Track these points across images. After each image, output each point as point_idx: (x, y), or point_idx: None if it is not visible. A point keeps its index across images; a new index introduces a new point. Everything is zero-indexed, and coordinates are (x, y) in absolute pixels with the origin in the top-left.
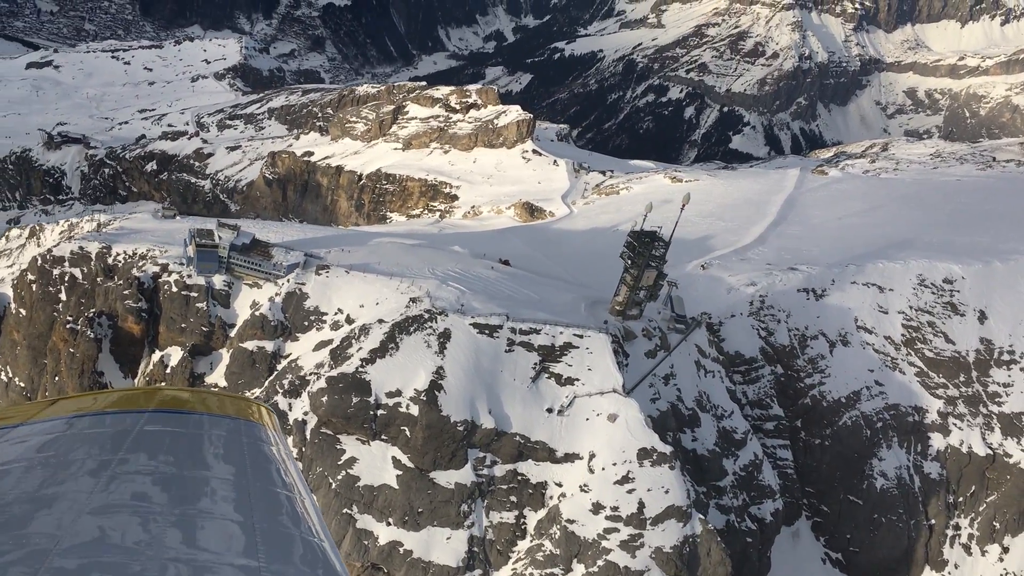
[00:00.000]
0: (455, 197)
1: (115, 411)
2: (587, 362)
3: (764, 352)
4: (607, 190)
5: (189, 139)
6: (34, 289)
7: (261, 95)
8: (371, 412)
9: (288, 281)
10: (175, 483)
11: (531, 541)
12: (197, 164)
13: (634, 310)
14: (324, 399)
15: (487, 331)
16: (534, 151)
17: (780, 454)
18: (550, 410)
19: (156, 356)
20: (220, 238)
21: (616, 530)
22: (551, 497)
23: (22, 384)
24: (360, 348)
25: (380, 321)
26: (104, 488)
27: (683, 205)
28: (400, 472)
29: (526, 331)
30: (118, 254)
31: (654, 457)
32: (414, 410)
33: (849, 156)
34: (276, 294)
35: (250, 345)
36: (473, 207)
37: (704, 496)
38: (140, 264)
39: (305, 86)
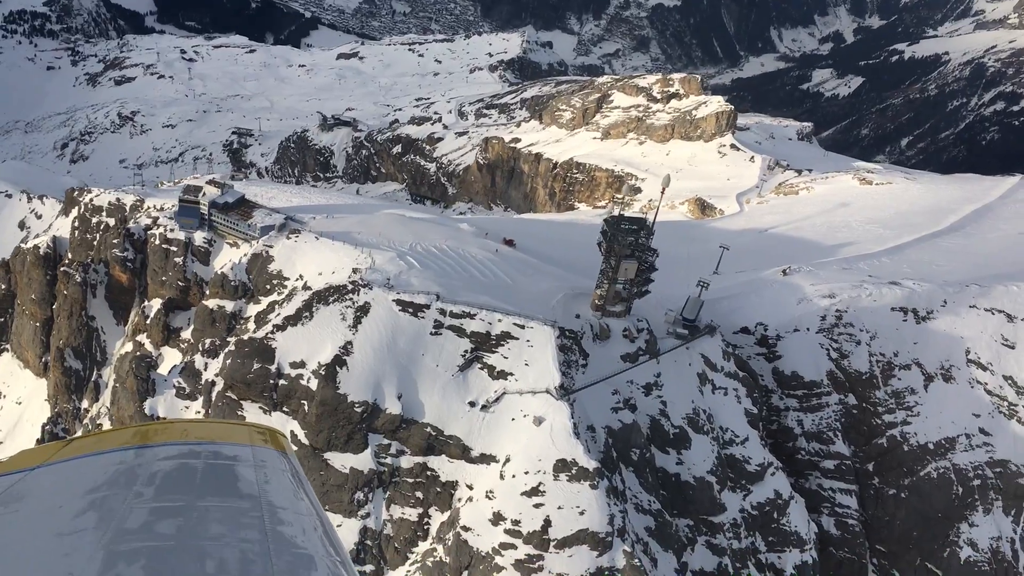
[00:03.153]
0: (639, 190)
1: (127, 447)
2: (525, 356)
3: (833, 377)
4: (787, 189)
5: (432, 124)
6: (75, 235)
7: (518, 86)
8: (271, 381)
9: (258, 243)
10: (188, 513)
11: (431, 544)
12: (428, 148)
13: (618, 306)
14: (229, 362)
15: (411, 309)
16: (732, 146)
17: (840, 499)
18: (473, 404)
19: (142, 307)
20: (204, 194)
21: (513, 547)
22: (460, 499)
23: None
24: (278, 314)
25: (305, 288)
26: (119, 523)
27: (662, 189)
28: (296, 448)
29: (458, 314)
30: (149, 207)
31: (573, 471)
32: (313, 384)
33: None
34: (244, 255)
35: (212, 303)
36: (650, 200)
37: (691, 530)
38: (136, 216)
39: (560, 78)
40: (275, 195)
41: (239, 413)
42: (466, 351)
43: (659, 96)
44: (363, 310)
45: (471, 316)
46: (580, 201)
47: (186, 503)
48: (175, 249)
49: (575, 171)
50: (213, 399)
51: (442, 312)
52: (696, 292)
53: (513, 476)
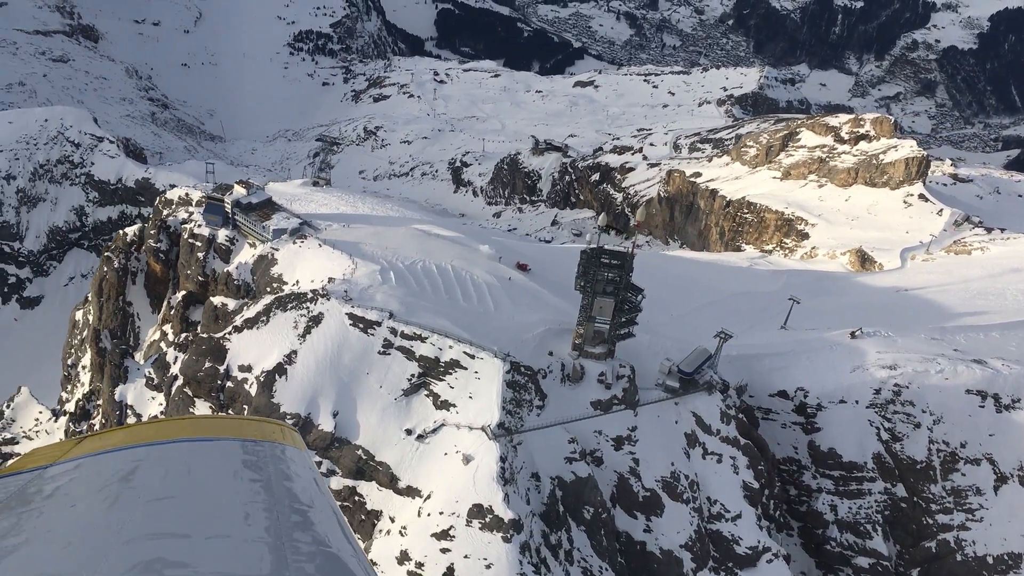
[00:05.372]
0: (806, 235)
1: (141, 444)
2: (471, 388)
3: (880, 461)
4: (959, 248)
5: (633, 154)
6: (150, 225)
7: (735, 122)
8: (219, 382)
9: (268, 244)
10: (198, 510)
11: None
12: (618, 177)
13: (599, 347)
14: (185, 358)
15: (362, 325)
16: (920, 196)
17: None
18: (410, 432)
19: (169, 298)
20: (231, 194)
21: None
22: (380, 531)
23: None
24: (243, 316)
25: (272, 292)
26: (131, 520)
27: (636, 223)
28: None
29: (410, 335)
30: None
31: (487, 519)
32: (253, 390)
33: None
34: (253, 256)
35: (217, 300)
36: (813, 248)
37: None
38: (176, 210)
39: (783, 115)
40: (329, 202)
41: (191, 410)
42: (413, 375)
43: (847, 137)
44: (315, 320)
45: (422, 339)
46: (748, 243)
47: (211, 499)
48: (199, 244)
49: (745, 211)
50: (172, 393)
51: (393, 331)
52: (715, 344)
53: (428, 515)
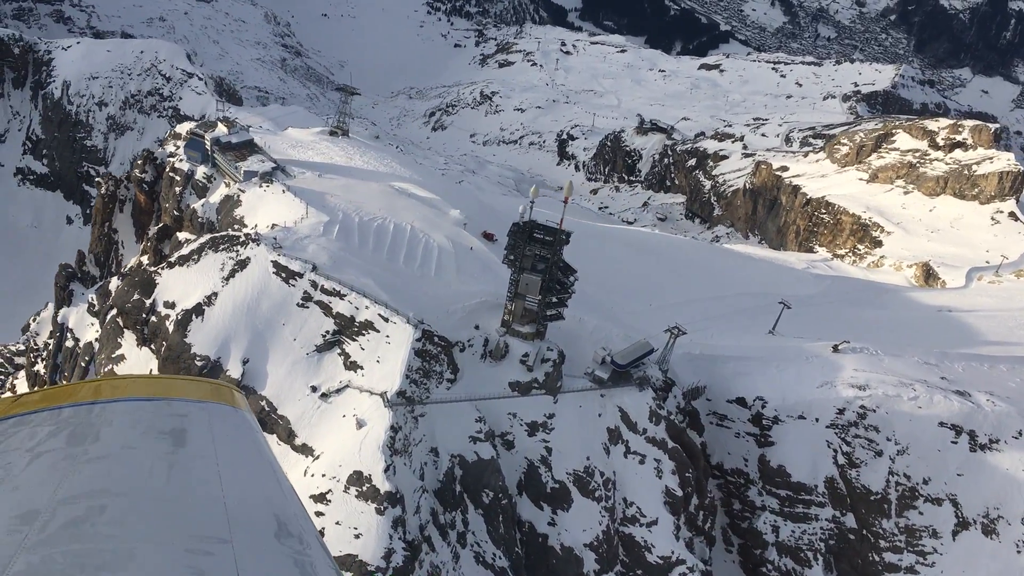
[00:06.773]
0: (879, 243)
1: (78, 403)
2: (379, 352)
3: (832, 486)
4: None
5: (733, 142)
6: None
7: (855, 119)
8: (144, 315)
9: (237, 185)
10: (141, 470)
11: None
12: (711, 164)
13: (527, 327)
14: (118, 287)
15: (284, 274)
16: (1011, 214)
17: None
18: (315, 389)
19: (148, 229)
20: (213, 132)
21: None
22: None
23: None
24: (178, 252)
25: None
26: (70, 479)
27: (566, 198)
28: None
29: (329, 291)
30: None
31: (364, 488)
32: (171, 328)
33: None
34: (222, 195)
35: (182, 236)
36: (881, 257)
37: None
38: (165, 144)
39: (904, 116)
40: (328, 152)
41: (119, 340)
42: (328, 332)
43: (943, 143)
44: (241, 264)
45: (341, 296)
46: (821, 244)
47: (133, 459)
48: (178, 179)
49: (823, 211)
50: (106, 321)
51: (314, 285)
52: (666, 340)
53: (312, 475)
